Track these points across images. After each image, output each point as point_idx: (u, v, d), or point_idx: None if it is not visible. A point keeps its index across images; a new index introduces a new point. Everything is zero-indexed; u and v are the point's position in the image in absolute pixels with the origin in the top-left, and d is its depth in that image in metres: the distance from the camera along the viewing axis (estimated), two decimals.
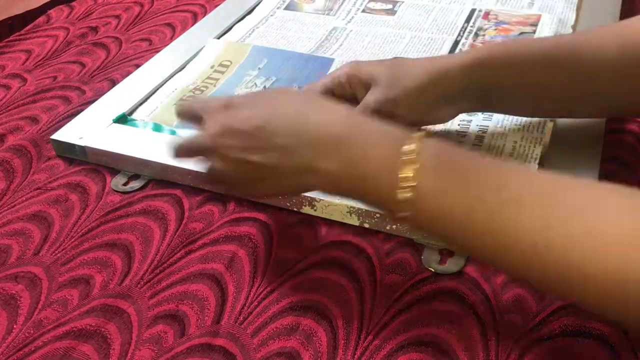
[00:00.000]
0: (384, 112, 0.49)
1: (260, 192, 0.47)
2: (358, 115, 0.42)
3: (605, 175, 0.54)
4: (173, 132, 0.61)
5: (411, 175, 0.36)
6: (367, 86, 0.52)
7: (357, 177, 0.39)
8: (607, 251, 0.32)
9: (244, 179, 0.44)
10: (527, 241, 0.34)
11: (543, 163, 0.54)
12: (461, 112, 0.55)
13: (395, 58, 0.54)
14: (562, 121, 0.58)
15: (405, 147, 0.37)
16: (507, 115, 0.59)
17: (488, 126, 0.58)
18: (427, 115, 0.53)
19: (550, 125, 0.58)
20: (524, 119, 0.59)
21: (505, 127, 0.58)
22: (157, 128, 0.62)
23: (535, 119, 0.58)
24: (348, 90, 0.52)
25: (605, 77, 0.49)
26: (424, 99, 0.51)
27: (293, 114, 0.41)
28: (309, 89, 0.53)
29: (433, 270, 0.47)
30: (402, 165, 0.36)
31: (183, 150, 0.46)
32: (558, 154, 0.55)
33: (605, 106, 0.53)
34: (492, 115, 0.60)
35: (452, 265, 0.47)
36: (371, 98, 0.51)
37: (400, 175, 0.36)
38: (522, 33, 0.72)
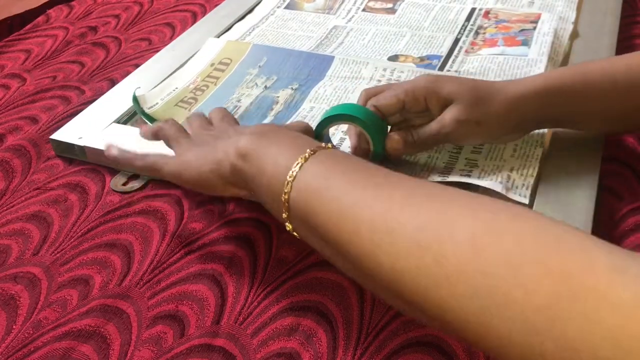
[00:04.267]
0: (460, 130, 0.50)
1: (187, 157, 0.48)
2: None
3: (606, 175, 0.54)
4: None
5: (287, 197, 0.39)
6: (444, 103, 0.51)
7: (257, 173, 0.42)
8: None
9: (184, 141, 0.49)
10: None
11: (543, 164, 0.54)
12: (530, 132, 0.55)
13: (469, 78, 0.54)
14: None
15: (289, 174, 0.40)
16: None
17: None
18: (501, 138, 0.54)
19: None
20: None
21: None
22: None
23: None
24: (422, 104, 0.51)
25: None
26: (503, 124, 0.51)
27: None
28: (376, 100, 0.52)
29: None
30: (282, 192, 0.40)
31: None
32: (558, 154, 0.55)
33: None
34: None
35: None
36: (449, 116, 0.50)
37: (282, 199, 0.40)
38: (522, 30, 0.72)
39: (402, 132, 0.51)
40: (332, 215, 0.37)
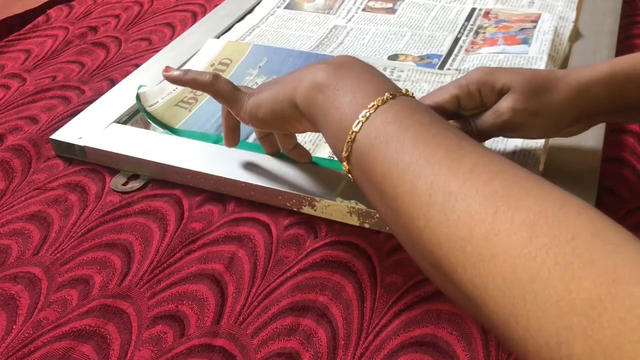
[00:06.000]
0: (516, 120, 0.48)
1: (263, 92, 0.47)
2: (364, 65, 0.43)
3: (606, 175, 0.54)
4: (174, 132, 0.61)
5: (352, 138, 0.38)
6: (500, 93, 0.48)
7: (329, 101, 0.41)
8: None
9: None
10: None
11: (544, 164, 0.54)
12: (595, 125, 0.52)
13: (527, 68, 0.50)
14: None
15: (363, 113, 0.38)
16: None
17: None
18: (563, 131, 0.50)
19: None
20: None
21: None
22: (177, 132, 0.62)
23: None
24: (477, 98, 0.49)
25: None
26: (565, 114, 0.48)
27: None
28: (430, 99, 0.50)
29: None
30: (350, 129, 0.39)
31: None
32: (558, 154, 0.54)
33: None
34: None
35: None
36: (505, 105, 0.48)
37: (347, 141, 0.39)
38: (522, 29, 0.72)
39: (460, 121, 0.50)
40: (394, 165, 0.35)
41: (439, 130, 0.36)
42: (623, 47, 0.72)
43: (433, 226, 0.32)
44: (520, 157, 0.54)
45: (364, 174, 0.38)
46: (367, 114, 0.38)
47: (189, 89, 0.67)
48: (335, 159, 0.56)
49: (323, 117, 0.42)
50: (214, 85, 0.50)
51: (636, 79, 0.48)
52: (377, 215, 0.50)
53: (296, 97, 0.43)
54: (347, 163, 0.40)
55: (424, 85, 0.65)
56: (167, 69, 0.52)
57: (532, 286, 0.27)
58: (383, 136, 0.37)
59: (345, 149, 0.39)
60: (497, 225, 0.30)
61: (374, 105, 0.38)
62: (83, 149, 0.60)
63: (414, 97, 0.40)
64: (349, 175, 0.41)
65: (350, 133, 0.38)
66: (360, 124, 0.38)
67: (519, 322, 0.28)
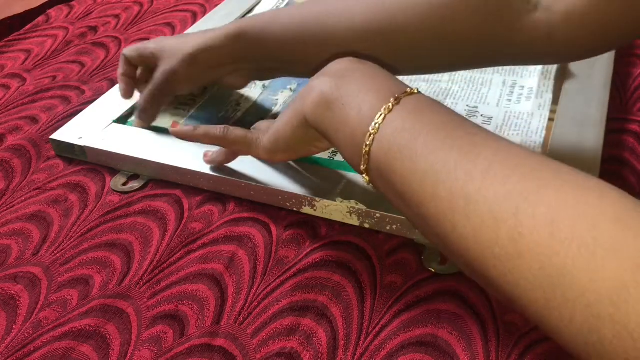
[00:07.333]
0: (171, 83, 0.58)
1: (275, 124, 0.48)
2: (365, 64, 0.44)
3: (606, 175, 0.54)
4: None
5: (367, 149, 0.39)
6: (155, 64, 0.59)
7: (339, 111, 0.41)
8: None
9: None
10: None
11: None
12: (249, 78, 0.60)
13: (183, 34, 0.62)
14: (561, 121, 0.58)
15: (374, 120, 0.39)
16: (505, 120, 0.60)
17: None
18: (209, 81, 0.60)
19: (549, 125, 0.58)
20: (523, 123, 0.59)
21: (504, 132, 0.58)
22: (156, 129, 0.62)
23: (535, 123, 0.58)
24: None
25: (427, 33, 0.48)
26: (196, 67, 0.57)
27: None
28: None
29: (433, 270, 0.47)
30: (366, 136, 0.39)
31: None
32: (558, 154, 0.55)
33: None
34: (490, 120, 0.60)
35: (452, 265, 0.47)
36: (157, 73, 0.58)
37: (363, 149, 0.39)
38: None
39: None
40: (412, 174, 0.36)
41: (449, 131, 0.36)
42: (622, 48, 0.72)
43: (459, 231, 0.33)
44: None
45: (386, 185, 0.39)
46: (377, 126, 0.38)
47: (185, 94, 0.67)
48: (336, 158, 0.56)
49: (335, 134, 0.41)
50: (227, 135, 0.50)
51: (248, 36, 0.55)
52: (377, 215, 0.50)
53: (307, 115, 0.43)
54: (367, 175, 0.40)
55: (422, 84, 0.65)
56: (174, 124, 0.54)
57: (560, 280, 0.28)
58: (396, 146, 0.37)
59: (362, 162, 0.39)
60: (519, 224, 0.30)
61: (381, 114, 0.38)
62: (83, 149, 0.60)
63: (419, 92, 0.40)
64: (371, 185, 0.41)
65: (364, 147, 0.39)
66: (372, 136, 0.38)
67: (552, 315, 0.29)
